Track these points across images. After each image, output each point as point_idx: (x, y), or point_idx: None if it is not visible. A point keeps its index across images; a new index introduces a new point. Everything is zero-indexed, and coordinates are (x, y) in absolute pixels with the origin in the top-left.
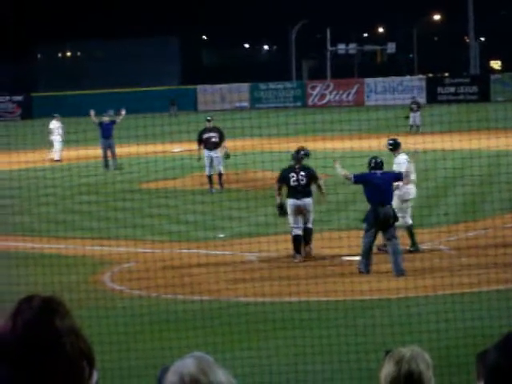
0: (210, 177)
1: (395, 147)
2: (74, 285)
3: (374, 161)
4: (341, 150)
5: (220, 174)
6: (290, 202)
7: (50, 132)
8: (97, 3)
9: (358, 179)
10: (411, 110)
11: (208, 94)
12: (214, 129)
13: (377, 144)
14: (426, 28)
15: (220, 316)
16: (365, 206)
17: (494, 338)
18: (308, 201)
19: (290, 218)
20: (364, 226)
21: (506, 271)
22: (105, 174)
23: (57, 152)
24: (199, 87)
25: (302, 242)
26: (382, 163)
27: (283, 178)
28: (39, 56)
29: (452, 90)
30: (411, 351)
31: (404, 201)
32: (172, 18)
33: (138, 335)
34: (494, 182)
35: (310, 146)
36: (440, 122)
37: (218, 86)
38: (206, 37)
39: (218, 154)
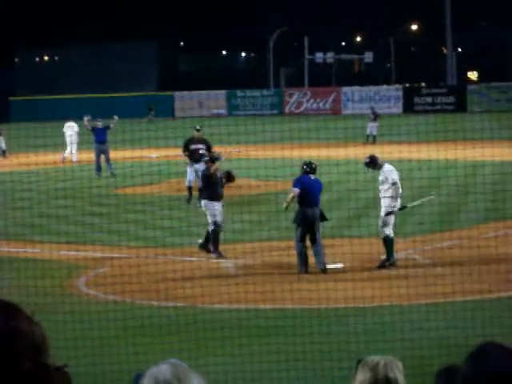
0: (190, 188)
1: (374, 164)
2: (48, 289)
3: (309, 165)
4: (317, 157)
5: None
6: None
7: (65, 134)
8: (75, 8)
9: (298, 186)
10: (369, 119)
11: (185, 100)
12: (203, 140)
13: (353, 152)
14: (404, 38)
15: (195, 322)
16: (340, 213)
17: (468, 348)
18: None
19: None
20: (294, 226)
21: (481, 282)
22: (87, 179)
23: (74, 153)
24: (177, 93)
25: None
26: (316, 168)
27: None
28: (17, 60)
29: (429, 100)
30: (384, 359)
31: (388, 213)
32: (149, 24)
33: (112, 340)
34: (470, 193)
35: (287, 153)
36: (416, 132)
37: (195, 93)
38: (184, 43)
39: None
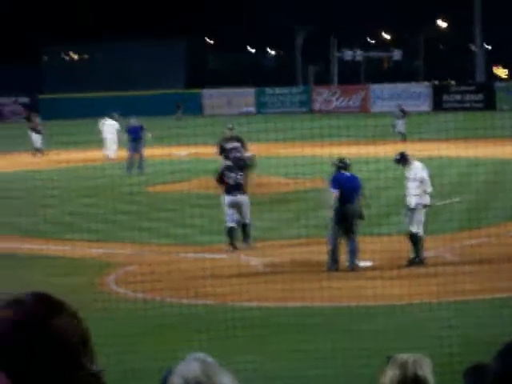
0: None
1: (404, 160)
2: (78, 287)
3: (342, 162)
4: (346, 155)
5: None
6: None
7: (103, 131)
8: (104, 5)
9: (335, 186)
10: (397, 117)
11: (214, 98)
12: (237, 138)
13: (383, 150)
14: (432, 35)
15: (224, 320)
16: (370, 211)
17: (496, 346)
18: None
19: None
20: (330, 223)
21: (510, 279)
22: (117, 177)
23: (112, 150)
24: (205, 91)
25: None
26: (349, 164)
27: None
28: (45, 58)
29: (458, 97)
30: (413, 356)
31: (411, 209)
32: (178, 21)
33: (141, 338)
34: (498, 190)
35: (317, 151)
36: (446, 130)
37: (223, 91)
38: (212, 40)
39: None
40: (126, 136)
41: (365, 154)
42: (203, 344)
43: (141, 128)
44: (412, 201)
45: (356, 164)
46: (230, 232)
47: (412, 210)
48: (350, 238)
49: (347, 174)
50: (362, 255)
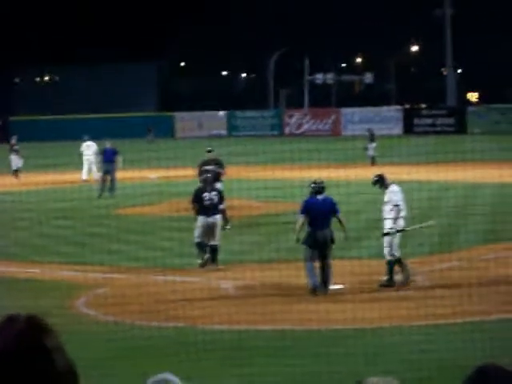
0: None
1: (381, 183)
2: (48, 309)
3: (315, 185)
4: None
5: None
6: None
7: (83, 154)
8: (75, 29)
9: (303, 211)
10: (368, 141)
11: (185, 121)
12: (215, 161)
13: (353, 173)
14: (404, 59)
15: (195, 343)
16: (341, 234)
17: (467, 369)
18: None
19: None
20: (304, 247)
21: (481, 303)
22: (87, 199)
23: (94, 172)
24: (177, 114)
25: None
26: (323, 187)
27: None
28: (17, 80)
29: (429, 121)
30: (383, 380)
31: (385, 233)
32: (149, 44)
33: (111, 361)
34: (469, 214)
35: (287, 174)
36: (416, 154)
37: (195, 114)
38: (183, 63)
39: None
40: (99, 158)
41: (335, 177)
42: (174, 367)
43: (114, 152)
44: (386, 225)
45: (327, 188)
46: (199, 245)
47: (386, 235)
48: (323, 263)
49: (320, 197)
50: (333, 279)
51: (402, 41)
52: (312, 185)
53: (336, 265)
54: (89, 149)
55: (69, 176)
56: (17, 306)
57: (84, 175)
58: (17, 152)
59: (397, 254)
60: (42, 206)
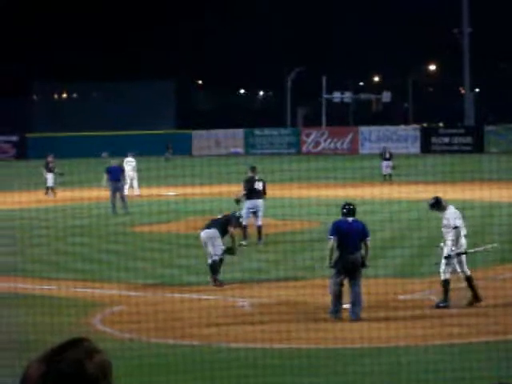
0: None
1: (438, 205)
2: (64, 326)
3: (346, 207)
4: (334, 197)
5: (259, 226)
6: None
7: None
8: (93, 46)
9: (334, 233)
10: (382, 158)
11: (203, 139)
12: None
13: (370, 192)
14: (422, 78)
15: (210, 361)
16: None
17: None
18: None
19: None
20: (332, 271)
21: (497, 323)
22: (104, 216)
23: (135, 188)
24: (194, 132)
25: None
26: (354, 210)
27: None
28: (35, 97)
29: (446, 140)
30: None
31: (447, 256)
32: (168, 62)
33: (127, 378)
34: (486, 233)
35: (304, 193)
36: (433, 173)
37: (213, 132)
38: (202, 81)
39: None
40: (105, 176)
41: (352, 195)
42: None
43: (120, 169)
44: (445, 249)
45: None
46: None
47: (446, 258)
48: (352, 288)
49: (350, 220)
50: (347, 298)
51: (420, 60)
52: (342, 208)
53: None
54: (129, 165)
55: (86, 193)
56: (33, 323)
57: (127, 191)
58: (51, 170)
59: (468, 272)
60: (60, 223)
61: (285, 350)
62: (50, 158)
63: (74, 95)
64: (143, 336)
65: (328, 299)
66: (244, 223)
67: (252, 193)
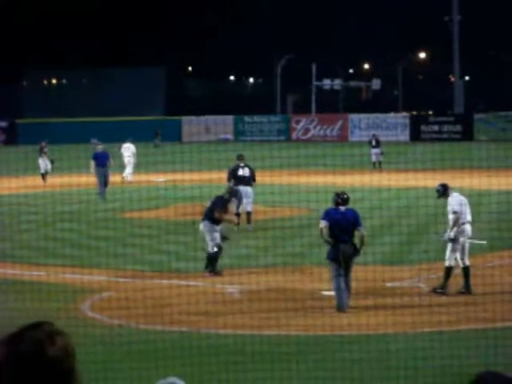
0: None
1: (444, 192)
2: (53, 312)
3: (340, 197)
4: (323, 184)
5: (248, 212)
6: None
7: (123, 155)
8: (84, 32)
9: (325, 218)
10: (371, 146)
11: (193, 125)
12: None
13: (359, 179)
14: (412, 66)
15: (199, 347)
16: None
17: (471, 377)
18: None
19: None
20: (328, 262)
21: (486, 310)
22: (93, 202)
23: (130, 173)
24: (184, 118)
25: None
26: (347, 199)
27: None
28: (25, 83)
29: (436, 128)
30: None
31: (465, 240)
32: (158, 49)
33: (116, 364)
34: (475, 221)
35: (294, 180)
36: (423, 160)
37: (203, 118)
38: (192, 68)
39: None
40: (92, 162)
41: (341, 183)
42: (177, 371)
43: (106, 155)
44: (447, 234)
45: (332, 193)
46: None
47: (451, 241)
48: (343, 277)
49: (342, 209)
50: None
51: (410, 48)
52: (334, 196)
53: None
54: (128, 150)
55: (76, 179)
56: (22, 309)
57: (129, 177)
58: (45, 155)
59: (467, 262)
60: (49, 209)
61: (273, 336)
62: (43, 144)
63: (64, 81)
64: (132, 322)
65: (316, 285)
66: (235, 211)
67: (238, 180)
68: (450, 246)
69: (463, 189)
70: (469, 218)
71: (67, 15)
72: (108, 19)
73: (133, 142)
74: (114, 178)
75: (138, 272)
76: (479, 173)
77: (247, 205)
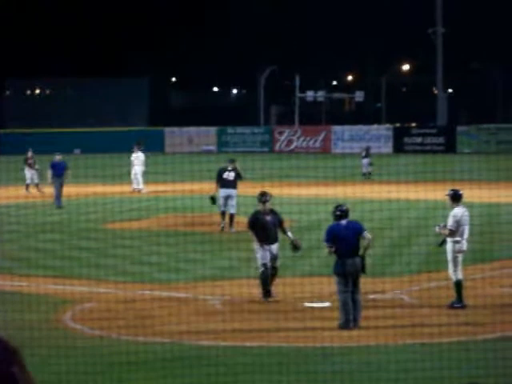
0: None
1: (454, 199)
2: (34, 323)
3: (338, 211)
4: (306, 196)
5: (232, 215)
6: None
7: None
8: (68, 41)
9: (329, 239)
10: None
11: (176, 136)
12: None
13: (342, 191)
14: (395, 78)
15: (180, 359)
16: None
17: None
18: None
19: (260, 260)
20: (335, 278)
21: (467, 323)
22: (75, 213)
23: (140, 183)
24: (167, 129)
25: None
26: (347, 212)
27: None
28: (8, 93)
29: (419, 140)
30: None
31: (456, 254)
32: (142, 59)
33: (97, 376)
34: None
35: (276, 191)
36: (406, 172)
37: (185, 129)
38: (176, 79)
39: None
40: (49, 172)
41: (324, 194)
42: (159, 383)
43: (64, 165)
44: (461, 246)
45: (314, 205)
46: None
47: (440, 245)
48: (353, 295)
49: (343, 222)
50: (319, 296)
51: (394, 60)
52: (334, 210)
53: (323, 282)
54: (136, 159)
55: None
56: (3, 320)
57: (141, 185)
58: (31, 166)
59: (459, 276)
60: (31, 219)
61: (255, 348)
62: (29, 154)
63: (48, 91)
64: (113, 333)
65: (299, 297)
66: (220, 210)
67: (223, 182)
68: (453, 260)
69: (446, 201)
70: (467, 234)
71: (51, 25)
72: (92, 29)
73: (142, 150)
74: (105, 189)
75: (119, 283)
76: (462, 185)
77: (230, 207)
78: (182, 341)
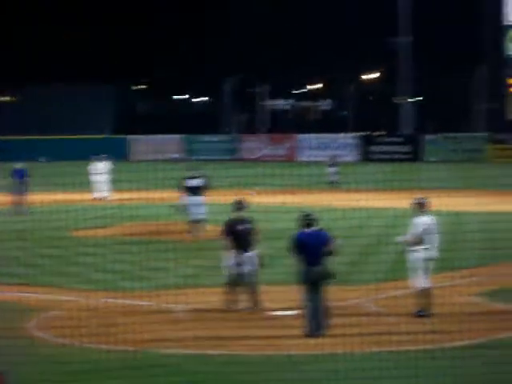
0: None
1: (420, 207)
2: None
3: (305, 219)
4: (272, 204)
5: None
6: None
7: (92, 173)
8: (33, 47)
9: (291, 249)
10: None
11: (140, 144)
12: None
13: (307, 199)
14: (362, 86)
15: (144, 367)
16: (290, 260)
17: None
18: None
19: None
20: (300, 286)
21: (434, 331)
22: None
23: (106, 191)
24: (130, 137)
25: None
26: (313, 220)
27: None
28: None
29: (385, 148)
30: None
31: (427, 262)
32: (108, 67)
33: None
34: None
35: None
36: (372, 181)
37: (151, 137)
38: (141, 86)
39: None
40: (11, 179)
41: (289, 202)
42: None
43: (24, 173)
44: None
45: (278, 213)
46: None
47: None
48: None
49: (308, 231)
50: (286, 303)
51: (362, 68)
52: (302, 219)
53: (287, 290)
54: (105, 168)
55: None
56: None
57: (105, 193)
58: None
59: (428, 284)
60: None
61: (219, 356)
62: None
63: (14, 99)
64: (77, 341)
65: (265, 305)
66: (190, 218)
67: (190, 190)
68: (419, 268)
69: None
70: (437, 242)
71: (15, 30)
72: (58, 35)
73: (106, 159)
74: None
75: (83, 291)
76: (429, 193)
77: (198, 214)
78: (146, 349)
